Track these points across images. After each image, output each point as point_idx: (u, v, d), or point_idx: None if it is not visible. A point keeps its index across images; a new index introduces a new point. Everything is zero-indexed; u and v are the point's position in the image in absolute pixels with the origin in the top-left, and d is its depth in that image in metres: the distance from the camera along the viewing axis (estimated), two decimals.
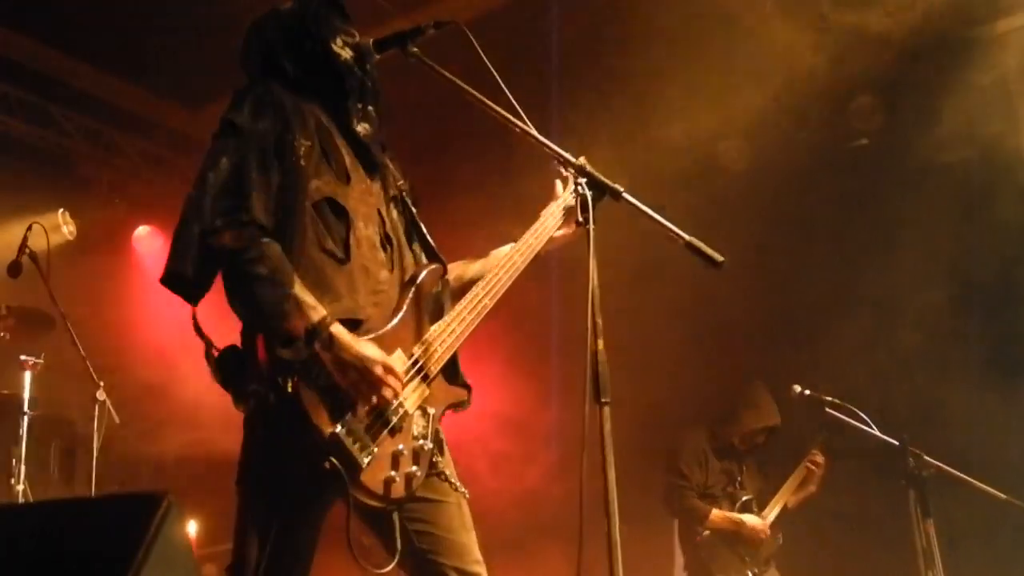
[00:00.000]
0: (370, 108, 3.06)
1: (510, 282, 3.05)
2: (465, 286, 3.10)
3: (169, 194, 7.71)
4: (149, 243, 7.87)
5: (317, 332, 2.56)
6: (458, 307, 2.96)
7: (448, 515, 2.90)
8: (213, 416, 5.89)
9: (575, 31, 6.22)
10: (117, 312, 7.49)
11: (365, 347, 2.62)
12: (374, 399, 2.62)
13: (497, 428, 6.75)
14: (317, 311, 2.59)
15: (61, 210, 7.10)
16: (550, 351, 7.39)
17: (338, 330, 2.60)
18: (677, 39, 6.22)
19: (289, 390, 2.53)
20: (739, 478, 6.07)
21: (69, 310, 5.70)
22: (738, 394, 6.19)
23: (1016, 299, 6.27)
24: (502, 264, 3.07)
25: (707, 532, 5.83)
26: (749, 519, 5.84)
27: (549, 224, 3.25)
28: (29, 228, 5.80)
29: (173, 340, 6.97)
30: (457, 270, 3.21)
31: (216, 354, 2.67)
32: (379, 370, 2.61)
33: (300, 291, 2.60)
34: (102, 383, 5.74)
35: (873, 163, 6.91)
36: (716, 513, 5.85)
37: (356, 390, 2.60)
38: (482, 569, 2.90)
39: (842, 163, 6.99)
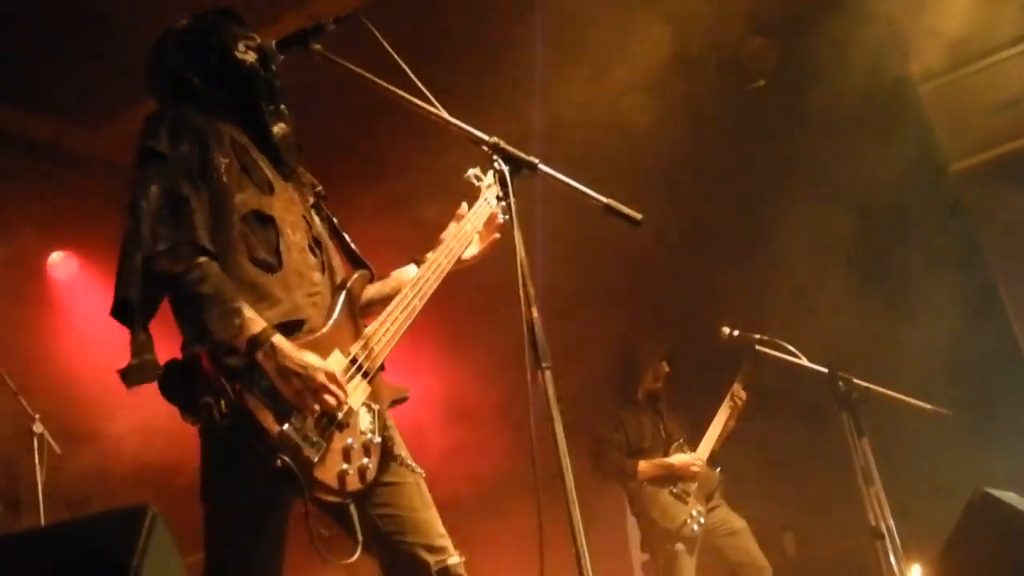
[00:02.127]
0: (282, 107, 3.11)
1: (437, 283, 3.14)
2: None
3: (79, 217, 7.57)
4: (65, 268, 7.69)
5: (259, 342, 2.62)
6: (389, 308, 3.03)
7: (408, 495, 2.97)
8: (148, 429, 5.86)
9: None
10: (40, 341, 7.34)
11: (306, 355, 2.68)
12: (317, 406, 2.66)
13: (443, 414, 6.78)
14: (258, 323, 2.66)
15: None
16: (485, 331, 7.41)
17: (280, 340, 2.65)
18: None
19: (234, 395, 2.58)
20: (662, 427, 6.10)
21: None
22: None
23: (913, 228, 6.48)
24: (429, 266, 3.17)
25: (643, 482, 5.86)
26: (677, 458, 5.86)
27: (467, 228, 3.34)
28: None
29: (101, 363, 6.86)
30: None
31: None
32: (321, 376, 2.66)
33: (244, 306, 2.66)
34: (37, 415, 5.67)
35: (770, 104, 7.06)
36: (643, 463, 5.86)
37: (299, 398, 2.64)
38: (448, 543, 2.97)
39: (741, 106, 7.13)
